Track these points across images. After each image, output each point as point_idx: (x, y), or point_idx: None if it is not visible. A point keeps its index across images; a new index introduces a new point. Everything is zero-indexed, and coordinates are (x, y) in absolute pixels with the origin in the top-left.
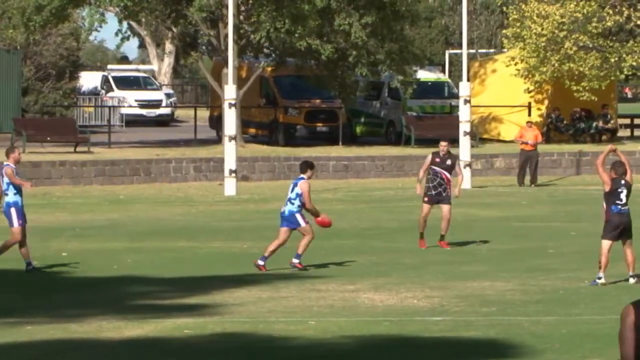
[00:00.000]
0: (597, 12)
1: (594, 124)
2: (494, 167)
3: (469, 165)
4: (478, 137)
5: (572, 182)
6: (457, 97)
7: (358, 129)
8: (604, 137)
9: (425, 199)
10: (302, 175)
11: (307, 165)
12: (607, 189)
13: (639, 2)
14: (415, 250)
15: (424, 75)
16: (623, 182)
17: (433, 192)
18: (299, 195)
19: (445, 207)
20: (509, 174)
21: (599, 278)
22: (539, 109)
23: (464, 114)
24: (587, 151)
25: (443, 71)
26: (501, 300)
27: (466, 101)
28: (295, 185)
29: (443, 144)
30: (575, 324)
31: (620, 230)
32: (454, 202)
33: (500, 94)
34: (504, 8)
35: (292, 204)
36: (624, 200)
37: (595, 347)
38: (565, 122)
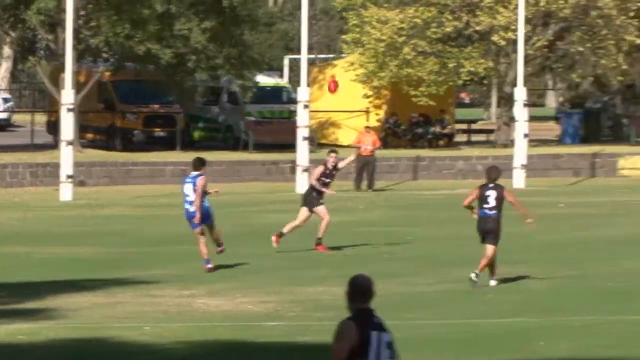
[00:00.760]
0: (436, 18)
1: (431, 129)
2: None
3: (307, 170)
4: (316, 142)
5: (409, 187)
6: (296, 102)
7: (196, 134)
8: (440, 142)
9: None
10: (198, 172)
11: (201, 162)
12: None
13: (478, 8)
14: (252, 254)
15: (263, 80)
16: (492, 185)
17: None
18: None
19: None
20: (346, 179)
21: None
22: (377, 114)
23: (303, 119)
24: (424, 156)
25: (282, 76)
26: (336, 305)
27: (305, 106)
28: (194, 184)
29: (333, 155)
30: (411, 329)
31: (482, 233)
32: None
33: (339, 99)
34: (344, 14)
35: (203, 201)
36: (492, 204)
37: (435, 351)
38: (403, 127)
